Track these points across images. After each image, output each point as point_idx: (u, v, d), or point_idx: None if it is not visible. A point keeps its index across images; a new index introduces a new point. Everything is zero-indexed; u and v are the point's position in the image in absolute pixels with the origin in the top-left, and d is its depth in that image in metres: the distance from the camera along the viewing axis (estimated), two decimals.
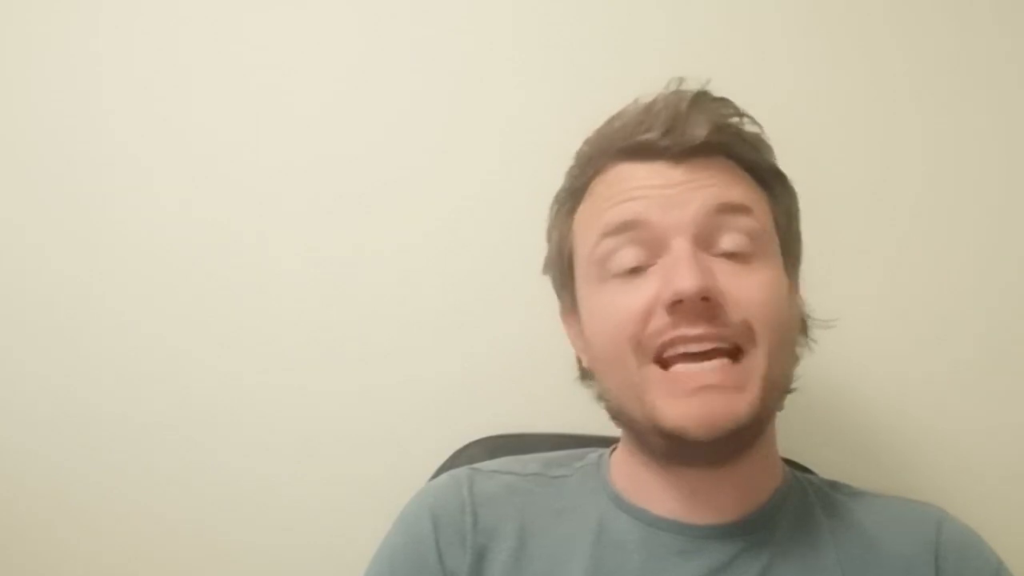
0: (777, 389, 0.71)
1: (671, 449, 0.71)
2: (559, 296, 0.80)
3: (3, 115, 1.11)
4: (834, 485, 0.81)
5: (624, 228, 0.71)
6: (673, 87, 0.75)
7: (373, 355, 1.06)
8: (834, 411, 1.00)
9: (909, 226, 1.01)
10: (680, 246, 0.69)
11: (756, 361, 0.68)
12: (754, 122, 0.75)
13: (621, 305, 0.70)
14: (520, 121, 1.05)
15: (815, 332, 0.80)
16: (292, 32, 1.08)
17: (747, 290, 0.69)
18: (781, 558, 0.72)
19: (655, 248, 0.70)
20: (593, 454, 0.81)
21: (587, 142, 0.78)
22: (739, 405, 0.67)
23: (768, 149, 0.76)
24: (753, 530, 0.73)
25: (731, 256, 0.70)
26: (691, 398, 0.67)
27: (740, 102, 0.76)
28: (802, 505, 0.76)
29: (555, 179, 0.80)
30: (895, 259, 1.01)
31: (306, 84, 1.08)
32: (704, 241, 0.70)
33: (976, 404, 0.99)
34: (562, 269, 0.78)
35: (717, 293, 0.68)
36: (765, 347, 0.68)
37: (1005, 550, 0.76)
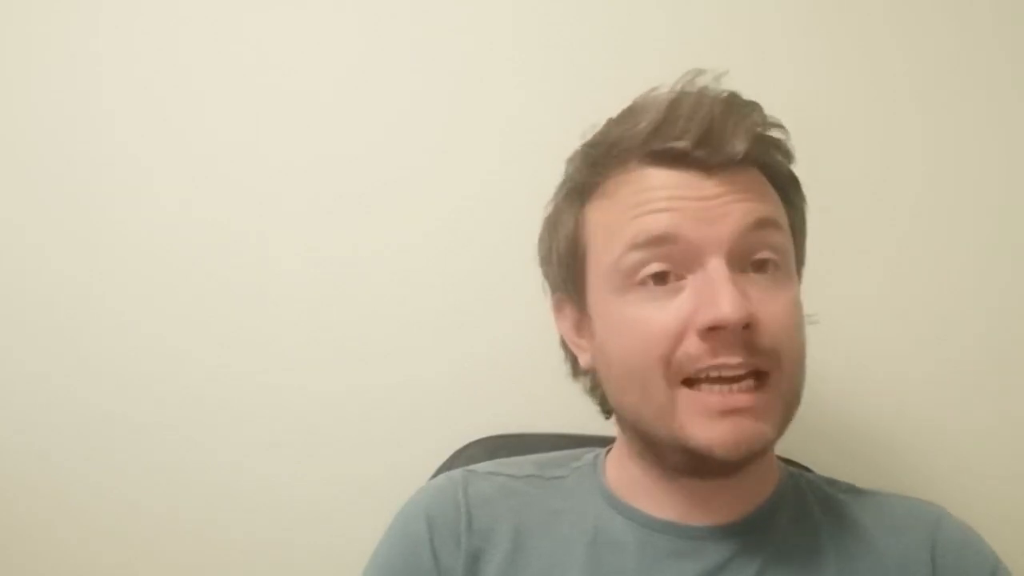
0: (795, 407, 0.71)
1: (690, 465, 0.70)
2: (558, 287, 0.78)
3: (3, 115, 1.11)
4: (832, 482, 0.80)
5: (655, 242, 0.68)
6: (690, 77, 0.72)
7: (373, 355, 1.06)
8: (833, 411, 1.00)
9: (909, 226, 1.01)
10: (718, 267, 0.66)
11: (779, 386, 0.68)
12: (781, 127, 0.74)
13: (649, 321, 0.68)
14: (520, 121, 1.05)
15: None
16: (292, 32, 1.08)
17: (777, 315, 0.68)
18: (777, 558, 0.72)
19: (686, 264, 0.68)
20: (589, 455, 0.81)
21: (603, 135, 0.74)
22: (766, 428, 0.67)
23: (791, 156, 0.75)
24: (749, 531, 0.73)
25: (760, 274, 0.69)
26: (722, 421, 0.66)
27: None
28: (799, 504, 0.76)
29: (555, 179, 0.79)
30: (895, 259, 1.01)
31: (306, 84, 1.08)
32: (737, 259, 0.68)
33: (976, 404, 0.99)
34: (571, 264, 0.75)
35: (755, 320, 0.66)
36: (788, 371, 0.68)
37: (1004, 550, 0.76)
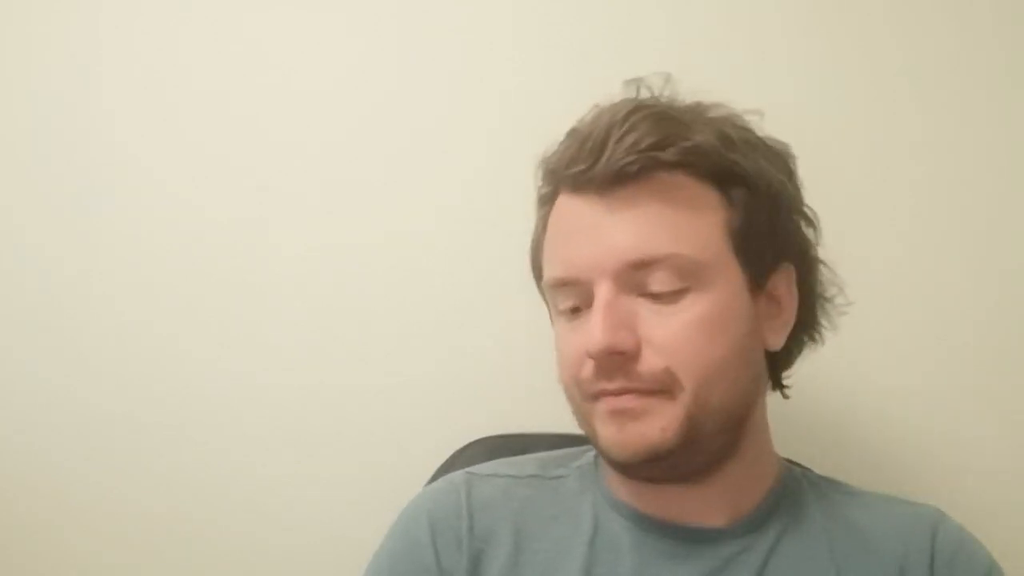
0: (716, 417, 0.69)
1: (620, 471, 0.73)
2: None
3: (3, 115, 1.11)
4: (832, 483, 0.80)
5: (561, 284, 0.72)
6: (631, 89, 0.74)
7: (373, 355, 1.06)
8: (832, 411, 1.00)
9: (909, 226, 1.01)
10: (599, 296, 0.69)
11: (679, 402, 0.68)
12: (699, 125, 0.71)
13: (564, 347, 0.73)
14: (520, 121, 1.05)
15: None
16: (292, 32, 1.09)
17: (671, 336, 0.68)
18: (776, 559, 0.72)
19: (587, 297, 0.70)
20: (591, 453, 0.81)
21: (544, 160, 0.76)
22: (651, 431, 0.68)
23: (720, 150, 0.70)
24: (746, 532, 0.73)
25: (658, 296, 0.69)
26: (610, 423, 0.69)
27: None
28: (797, 504, 0.76)
29: None
30: (895, 259, 1.00)
31: (306, 84, 1.08)
32: (628, 281, 0.69)
33: (976, 404, 0.99)
34: (541, 288, 0.79)
35: (631, 346, 0.67)
36: (693, 389, 0.68)
37: (1004, 551, 0.76)
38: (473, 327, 1.04)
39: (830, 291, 0.80)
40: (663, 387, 0.68)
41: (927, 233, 1.01)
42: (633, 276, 0.69)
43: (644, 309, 0.69)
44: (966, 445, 0.98)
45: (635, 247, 0.69)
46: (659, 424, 0.68)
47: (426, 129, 1.06)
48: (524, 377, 1.02)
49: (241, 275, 1.08)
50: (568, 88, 1.04)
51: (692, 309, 0.69)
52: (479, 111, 1.06)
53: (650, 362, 0.68)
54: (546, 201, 0.76)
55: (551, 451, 0.84)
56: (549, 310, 0.77)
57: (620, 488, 0.76)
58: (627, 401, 0.68)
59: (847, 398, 1.00)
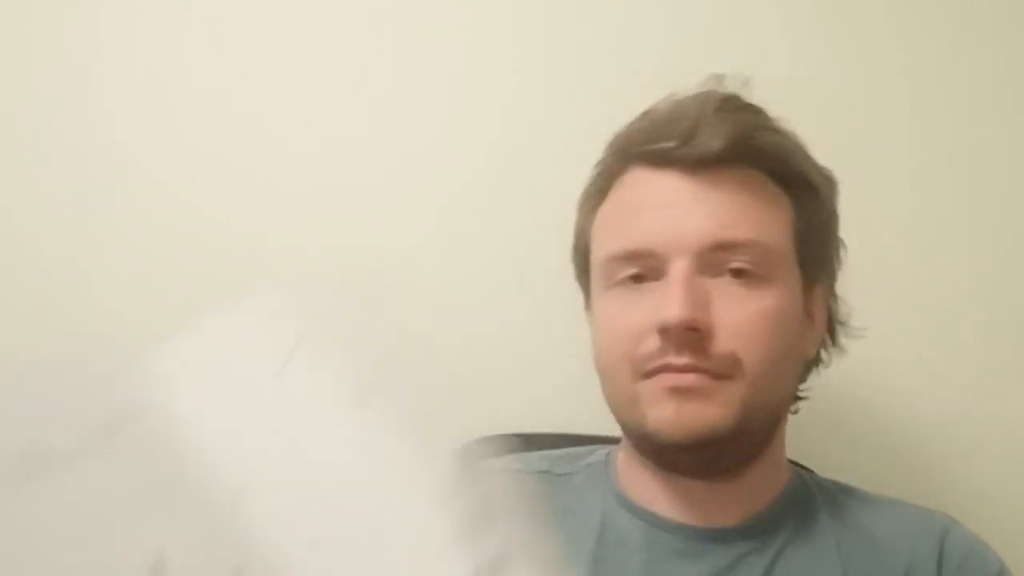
0: (763, 412, 0.71)
1: (661, 457, 0.72)
2: (581, 289, 0.80)
3: (3, 115, 1.11)
4: (841, 487, 0.81)
5: (631, 256, 0.71)
6: (711, 85, 0.74)
7: None
8: (832, 411, 1.00)
9: (909, 226, 1.01)
10: (678, 270, 0.69)
11: (738, 387, 0.69)
12: (781, 131, 0.74)
13: (620, 320, 0.72)
14: (520, 121, 1.05)
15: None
16: (292, 32, 1.09)
17: (742, 321, 0.69)
18: (784, 561, 0.73)
19: (659, 270, 0.70)
20: (601, 451, 0.82)
21: (616, 137, 0.77)
22: (711, 412, 0.68)
23: (797, 157, 0.74)
24: (756, 534, 0.74)
25: (736, 278, 0.70)
26: (669, 401, 0.68)
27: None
28: (806, 508, 0.77)
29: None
30: (895, 258, 1.01)
31: (306, 84, 1.08)
32: (708, 264, 0.70)
33: (976, 404, 0.99)
34: (580, 265, 0.79)
35: (706, 324, 0.68)
36: (752, 377, 0.69)
37: (1005, 550, 0.76)
38: (473, 327, 1.04)
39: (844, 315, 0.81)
40: (728, 370, 0.68)
41: (927, 232, 1.01)
42: (712, 258, 0.69)
43: (717, 292, 0.69)
44: (966, 445, 0.99)
45: (720, 229, 0.70)
46: (719, 407, 0.68)
47: (426, 129, 1.06)
48: (524, 377, 1.02)
49: (241, 275, 1.07)
50: (567, 88, 1.04)
51: (762, 300, 0.70)
52: (479, 111, 1.06)
53: (721, 344, 0.68)
54: (610, 175, 0.76)
55: (559, 449, 0.84)
56: (591, 288, 0.77)
57: (631, 487, 0.76)
58: (692, 380, 0.68)
59: (846, 398, 1.00)
